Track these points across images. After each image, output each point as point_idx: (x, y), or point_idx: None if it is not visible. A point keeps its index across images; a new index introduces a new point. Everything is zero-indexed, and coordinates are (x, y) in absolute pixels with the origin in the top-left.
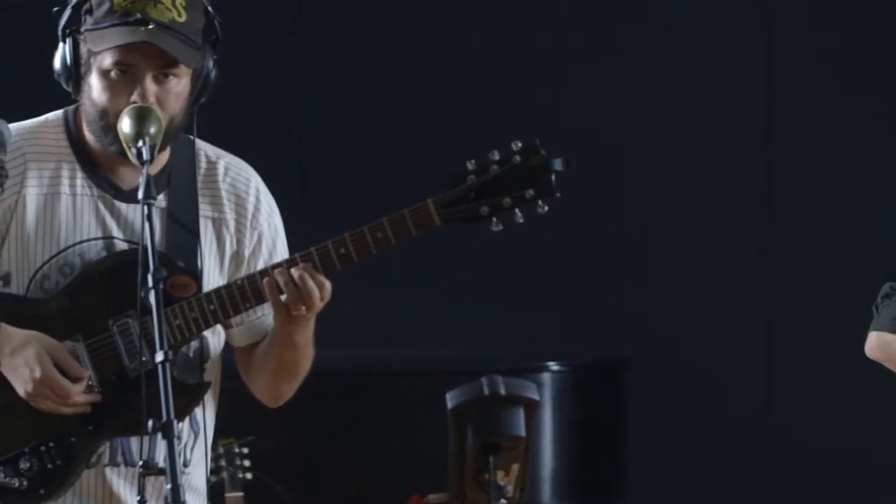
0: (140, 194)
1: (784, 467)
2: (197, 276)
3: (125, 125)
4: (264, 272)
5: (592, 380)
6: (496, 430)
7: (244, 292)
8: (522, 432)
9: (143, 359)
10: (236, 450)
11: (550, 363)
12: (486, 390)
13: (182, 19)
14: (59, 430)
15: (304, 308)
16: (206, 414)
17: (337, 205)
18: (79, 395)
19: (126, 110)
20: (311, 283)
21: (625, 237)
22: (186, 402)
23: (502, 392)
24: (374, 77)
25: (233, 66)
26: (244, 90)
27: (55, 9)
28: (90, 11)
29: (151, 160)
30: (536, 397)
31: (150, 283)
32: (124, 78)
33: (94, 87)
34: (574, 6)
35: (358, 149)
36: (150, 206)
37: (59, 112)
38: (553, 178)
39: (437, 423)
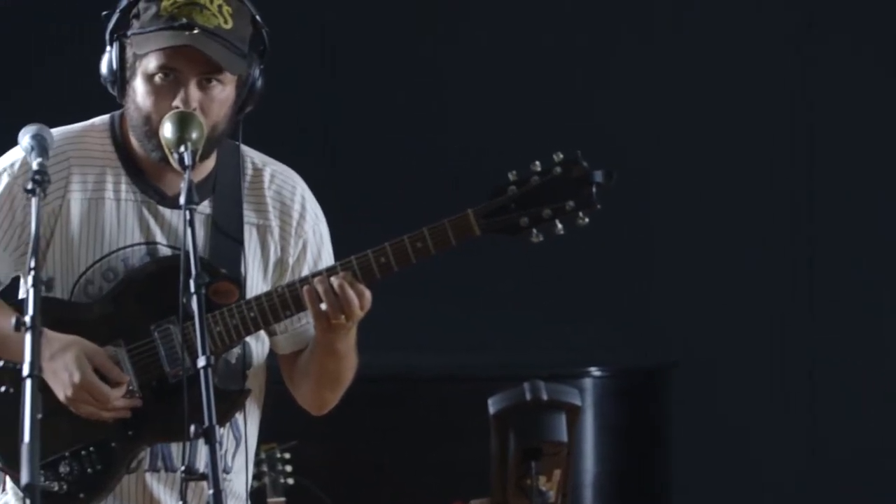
0: (182, 199)
1: (828, 476)
2: (240, 284)
3: (167, 130)
4: (304, 280)
5: (634, 385)
6: (538, 435)
7: (284, 300)
8: (564, 438)
9: (185, 365)
10: (278, 455)
11: (592, 369)
12: (528, 396)
13: (228, 26)
14: (99, 436)
15: (343, 317)
16: (248, 422)
17: (372, 213)
18: (118, 400)
19: (168, 116)
20: (350, 292)
21: (668, 243)
22: (226, 408)
23: (544, 397)
24: (406, 81)
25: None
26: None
27: (104, 13)
28: (137, 16)
29: (193, 166)
30: (578, 403)
31: (192, 289)
32: (168, 83)
33: (139, 92)
34: (604, 9)
35: (391, 156)
36: (191, 211)
37: (106, 117)
38: (594, 189)
39: (479, 429)
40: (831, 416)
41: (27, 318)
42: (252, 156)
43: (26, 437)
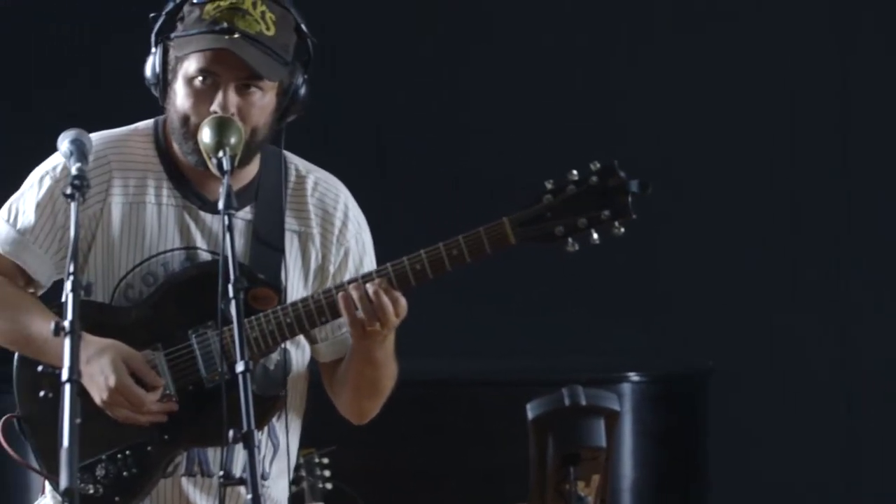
0: (220, 204)
1: (864, 479)
2: (279, 290)
3: (205, 135)
4: (340, 287)
5: (673, 391)
6: (577, 440)
7: (320, 306)
8: (603, 443)
9: (221, 370)
10: (316, 459)
11: (631, 374)
12: (566, 401)
13: (270, 33)
14: (135, 439)
15: (378, 324)
16: (287, 428)
17: (407, 219)
18: (153, 404)
19: (206, 121)
20: (385, 298)
21: (705, 248)
22: (261, 413)
23: (583, 403)
24: (407, 82)
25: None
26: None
27: (151, 15)
28: (182, 19)
29: (232, 171)
30: (617, 408)
31: (231, 293)
32: (207, 86)
33: (179, 94)
34: (608, 9)
35: (393, 156)
36: (230, 216)
37: (150, 121)
38: (630, 199)
39: (517, 434)
40: (868, 420)
41: (66, 323)
42: (296, 163)
43: (65, 442)
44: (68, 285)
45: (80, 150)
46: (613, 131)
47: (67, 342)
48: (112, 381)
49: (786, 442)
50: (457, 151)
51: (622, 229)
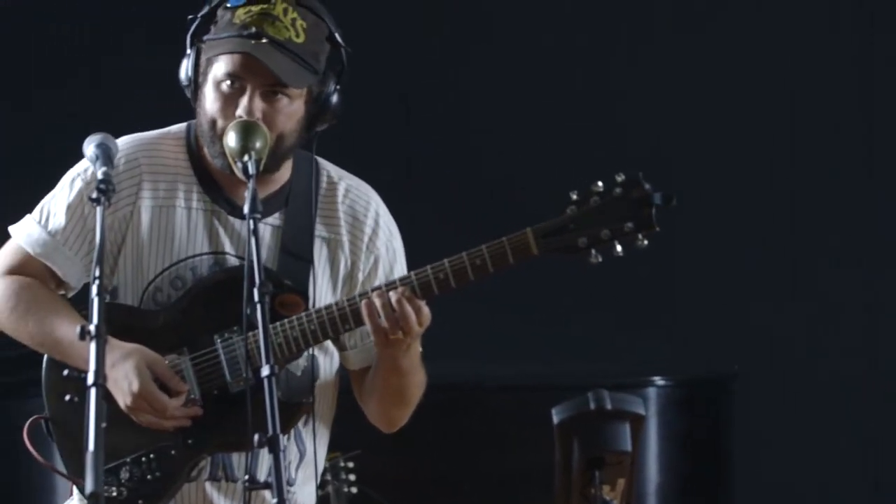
0: (246, 208)
1: (893, 481)
2: (306, 296)
3: (230, 139)
4: (364, 294)
5: (697, 394)
6: (602, 444)
7: (344, 314)
8: (628, 447)
9: (245, 375)
10: (342, 464)
11: (656, 378)
12: (592, 405)
13: (299, 40)
14: (160, 443)
15: (401, 333)
16: (314, 435)
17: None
18: (177, 409)
19: (232, 125)
20: (408, 307)
21: (729, 252)
22: (285, 419)
23: (608, 407)
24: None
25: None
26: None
27: (189, 17)
28: (213, 24)
29: (257, 176)
30: (642, 412)
31: (256, 298)
32: (235, 91)
33: (208, 97)
34: (608, 10)
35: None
36: (255, 220)
37: (183, 125)
38: (653, 211)
39: (542, 438)
40: (894, 424)
41: (91, 327)
42: (329, 169)
43: (90, 446)
44: (94, 289)
45: (105, 155)
46: (619, 133)
47: (93, 346)
48: (136, 387)
49: (810, 445)
50: (464, 154)
51: (646, 241)
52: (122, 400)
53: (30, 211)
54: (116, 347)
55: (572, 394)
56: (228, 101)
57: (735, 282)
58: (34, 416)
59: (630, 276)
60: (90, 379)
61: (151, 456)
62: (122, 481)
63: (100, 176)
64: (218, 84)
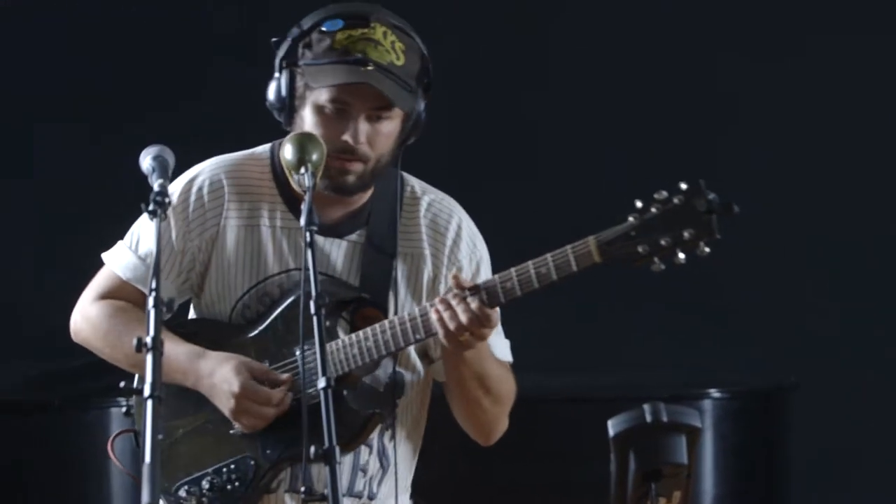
0: (302, 221)
1: None
2: (385, 310)
3: (287, 152)
4: (432, 304)
5: (754, 407)
6: (658, 457)
7: (415, 324)
8: (684, 459)
9: (303, 386)
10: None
11: (712, 390)
12: (648, 417)
13: (400, 63)
14: (241, 453)
15: (470, 336)
16: (398, 449)
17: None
18: (280, 398)
19: (288, 138)
20: (474, 313)
21: (786, 261)
22: (356, 430)
23: (665, 419)
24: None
25: None
26: None
27: (273, 39)
28: (309, 46)
29: (314, 187)
30: (699, 424)
31: (312, 310)
32: (338, 115)
33: (307, 121)
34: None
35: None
36: (311, 232)
37: (266, 146)
38: (714, 219)
39: (599, 450)
40: None
41: (148, 340)
42: (413, 184)
43: (147, 458)
44: (150, 301)
45: (162, 167)
46: (675, 139)
47: (149, 358)
48: (236, 387)
49: (869, 458)
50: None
51: (707, 249)
52: (226, 404)
53: (121, 236)
54: (210, 357)
55: (628, 406)
56: (331, 125)
57: (792, 291)
58: (119, 431)
59: (685, 286)
60: (146, 391)
61: (232, 466)
62: (204, 491)
63: (156, 188)
64: (321, 108)
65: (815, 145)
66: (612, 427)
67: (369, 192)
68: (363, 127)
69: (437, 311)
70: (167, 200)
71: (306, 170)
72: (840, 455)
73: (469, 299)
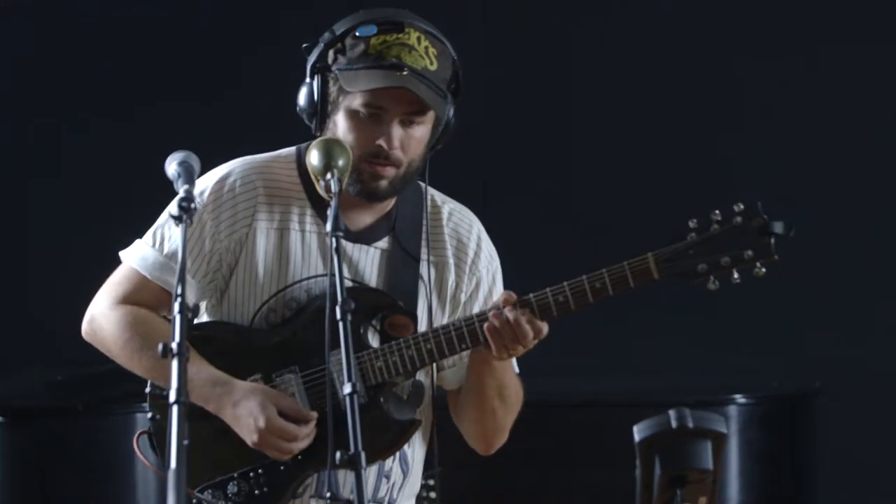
0: (328, 226)
1: None
2: (415, 317)
3: (313, 157)
4: (482, 315)
5: (779, 412)
6: (684, 462)
7: (461, 334)
8: (710, 465)
9: (328, 394)
10: (422, 482)
11: (737, 396)
12: (674, 423)
13: (433, 68)
14: (269, 458)
15: (520, 347)
16: (415, 454)
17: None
18: (306, 434)
19: (315, 143)
20: (526, 326)
21: (809, 268)
22: (396, 437)
23: (690, 425)
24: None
25: None
26: None
27: (304, 45)
28: (342, 51)
29: (339, 192)
30: (724, 430)
31: (339, 315)
32: (372, 120)
33: (340, 126)
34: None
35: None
36: (338, 238)
37: (292, 149)
38: (773, 241)
39: (624, 456)
40: None
41: (174, 345)
42: (432, 193)
43: (172, 464)
44: (175, 307)
45: (187, 173)
46: (701, 154)
47: (174, 364)
48: (262, 423)
49: (893, 464)
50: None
51: (763, 270)
52: (249, 437)
53: (138, 232)
54: (236, 388)
55: (653, 411)
56: (365, 130)
57: (818, 296)
58: (140, 431)
59: (711, 293)
60: (171, 396)
61: (260, 471)
62: (230, 495)
63: (182, 194)
64: (355, 113)
65: (840, 150)
66: (638, 432)
67: (392, 200)
68: (397, 132)
69: (492, 324)
70: (193, 206)
71: (332, 175)
72: (865, 461)
73: (521, 311)
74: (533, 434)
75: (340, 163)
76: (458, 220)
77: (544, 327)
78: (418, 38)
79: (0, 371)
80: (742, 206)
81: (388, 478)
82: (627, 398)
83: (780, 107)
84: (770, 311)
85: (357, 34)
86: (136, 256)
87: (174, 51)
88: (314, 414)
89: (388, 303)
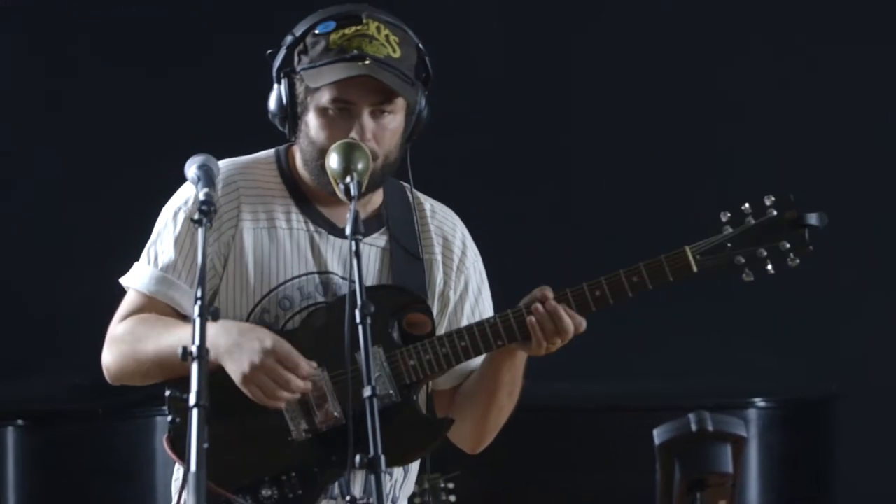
0: (348, 230)
1: None
2: (431, 314)
3: (333, 161)
4: (517, 311)
5: (799, 416)
6: (703, 466)
7: (496, 330)
8: (730, 469)
9: (349, 396)
10: (442, 485)
11: (757, 399)
12: (693, 426)
13: (396, 55)
14: (301, 460)
15: (558, 341)
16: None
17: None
18: (298, 389)
19: (334, 146)
20: (568, 319)
21: (830, 270)
22: (433, 435)
23: (710, 428)
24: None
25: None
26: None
27: (269, 52)
28: (305, 51)
29: (359, 196)
30: (744, 434)
31: (358, 319)
32: (342, 115)
33: (312, 126)
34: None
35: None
36: (357, 242)
37: (270, 151)
38: (807, 232)
39: (644, 459)
40: None
41: (193, 348)
42: (414, 190)
43: (192, 467)
44: (196, 310)
45: (207, 176)
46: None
47: (195, 367)
48: (269, 343)
49: None
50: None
51: (797, 261)
52: (248, 358)
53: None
54: (234, 323)
55: (673, 415)
56: (336, 126)
57: (835, 299)
58: (167, 434)
59: (730, 295)
60: (192, 400)
61: (293, 474)
62: (262, 499)
63: (202, 197)
64: (323, 111)
65: (869, 147)
66: (658, 436)
67: (381, 196)
68: (368, 123)
69: (536, 317)
70: (213, 209)
71: (352, 178)
72: (884, 463)
73: (560, 306)
74: (551, 437)
75: (360, 166)
76: (441, 219)
77: (583, 322)
78: (377, 28)
79: (21, 375)
80: (773, 199)
81: (390, 475)
82: (646, 402)
83: (781, 107)
84: (792, 314)
85: (317, 32)
86: (135, 278)
87: (174, 52)
88: (313, 364)
89: (410, 300)
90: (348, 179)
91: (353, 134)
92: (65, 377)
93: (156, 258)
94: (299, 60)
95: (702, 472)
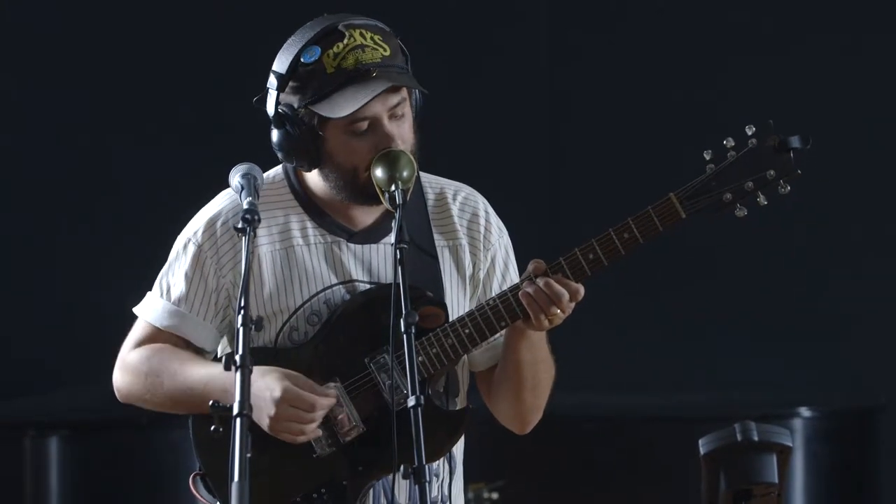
0: (393, 238)
1: None
2: (444, 306)
3: (378, 171)
4: (514, 288)
5: (844, 426)
6: (749, 476)
7: (497, 311)
8: (775, 479)
9: (392, 400)
10: (486, 494)
11: (802, 409)
12: (738, 436)
13: (388, 53)
14: (331, 476)
15: (558, 311)
16: (457, 447)
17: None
18: (325, 405)
19: (378, 157)
20: (559, 287)
21: (877, 279)
22: (453, 428)
23: (755, 438)
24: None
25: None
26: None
27: (255, 98)
28: (302, 86)
29: (404, 204)
30: (790, 444)
31: (403, 328)
32: (363, 130)
33: (339, 152)
34: None
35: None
36: (402, 251)
37: (278, 168)
38: (792, 156)
39: (689, 469)
40: None
41: (237, 357)
42: (429, 179)
43: (235, 476)
44: (238, 320)
45: (250, 185)
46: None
47: (238, 376)
48: (277, 393)
49: None
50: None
51: (788, 188)
52: (265, 412)
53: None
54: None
55: (718, 425)
56: (363, 143)
57: (883, 309)
58: (193, 474)
59: (774, 306)
60: (235, 409)
61: (323, 490)
62: None
63: (245, 206)
64: (349, 131)
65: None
66: (703, 446)
67: None
68: (392, 129)
69: (525, 291)
70: (257, 218)
71: (397, 187)
72: None
73: (555, 277)
74: (596, 448)
75: (405, 174)
76: (463, 199)
77: (580, 288)
78: (361, 34)
79: (64, 384)
80: (754, 128)
81: (437, 476)
82: (692, 412)
83: (782, 107)
84: (837, 325)
85: (304, 61)
86: (148, 309)
87: (188, 53)
88: (331, 388)
89: (417, 295)
90: (393, 188)
91: (385, 142)
92: (108, 387)
93: (168, 290)
94: (301, 95)
95: (747, 482)
